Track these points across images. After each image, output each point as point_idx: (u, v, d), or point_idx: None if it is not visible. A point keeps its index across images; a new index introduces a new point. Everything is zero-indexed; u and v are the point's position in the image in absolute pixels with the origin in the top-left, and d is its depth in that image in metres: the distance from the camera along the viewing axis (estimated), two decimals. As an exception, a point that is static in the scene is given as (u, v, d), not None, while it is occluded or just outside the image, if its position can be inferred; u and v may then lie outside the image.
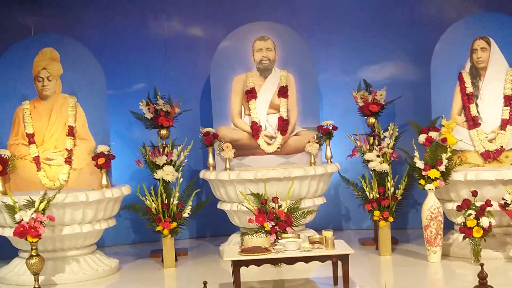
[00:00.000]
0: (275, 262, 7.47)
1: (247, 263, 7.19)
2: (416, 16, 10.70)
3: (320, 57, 10.37)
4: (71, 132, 8.87)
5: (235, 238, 9.30)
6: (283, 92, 9.50)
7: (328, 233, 7.35)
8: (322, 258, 7.26)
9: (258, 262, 7.23)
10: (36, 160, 8.79)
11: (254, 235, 7.69)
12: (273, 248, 7.38)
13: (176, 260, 9.13)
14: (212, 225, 10.71)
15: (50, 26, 10.12)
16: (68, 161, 8.83)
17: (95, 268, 8.62)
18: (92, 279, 8.49)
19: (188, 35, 10.82)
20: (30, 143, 8.82)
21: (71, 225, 8.42)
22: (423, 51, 10.12)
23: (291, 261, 7.28)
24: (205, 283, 4.82)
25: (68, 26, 10.16)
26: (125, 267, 9.12)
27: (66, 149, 8.84)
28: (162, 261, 9.03)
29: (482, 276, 4.80)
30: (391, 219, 8.94)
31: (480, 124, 9.04)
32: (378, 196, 8.96)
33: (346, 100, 10.26)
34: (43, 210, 7.99)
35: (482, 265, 4.93)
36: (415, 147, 8.76)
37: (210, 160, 9.41)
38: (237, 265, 7.17)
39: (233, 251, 7.48)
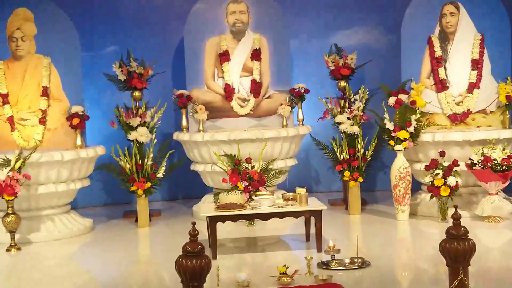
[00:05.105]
0: (251, 218, 7.62)
1: (223, 219, 7.32)
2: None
3: (293, 22, 10.46)
4: (45, 92, 8.88)
5: (208, 198, 9.42)
6: (256, 55, 9.59)
7: (301, 190, 7.51)
8: (296, 214, 7.43)
9: (234, 218, 7.36)
10: (10, 120, 8.80)
11: (229, 193, 7.82)
12: (248, 205, 7.53)
13: (150, 220, 9.24)
14: (184, 188, 10.82)
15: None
16: (42, 121, 8.85)
17: (70, 227, 8.71)
18: (67, 238, 8.58)
19: (161, -2, 10.84)
20: (4, 103, 8.82)
21: (46, 184, 8.49)
22: (394, 17, 10.28)
23: (266, 216, 7.42)
24: (193, 223, 4.96)
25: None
26: (99, 227, 9.20)
27: (40, 109, 8.86)
28: (136, 221, 9.14)
29: (456, 217, 4.97)
30: (360, 179, 9.15)
31: (448, 87, 9.23)
32: (348, 157, 9.15)
33: (318, 64, 10.39)
34: (19, 168, 8.04)
35: (456, 206, 5.09)
36: (385, 109, 8.95)
37: (184, 122, 9.49)
38: (213, 221, 7.30)
39: (209, 208, 7.62)
